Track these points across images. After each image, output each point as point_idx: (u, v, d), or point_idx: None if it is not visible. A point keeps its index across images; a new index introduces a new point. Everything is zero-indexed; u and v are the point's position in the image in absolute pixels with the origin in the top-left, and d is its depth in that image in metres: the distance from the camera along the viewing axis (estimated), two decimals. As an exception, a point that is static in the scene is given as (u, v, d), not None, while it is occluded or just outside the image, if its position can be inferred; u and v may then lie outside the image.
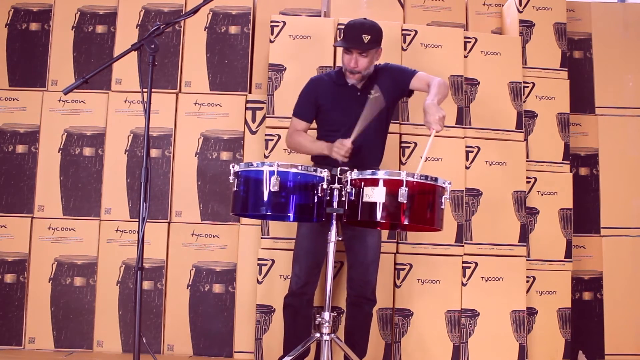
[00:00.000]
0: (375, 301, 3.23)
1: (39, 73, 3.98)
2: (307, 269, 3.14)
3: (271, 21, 3.79)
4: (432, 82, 3.09)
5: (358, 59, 3.05)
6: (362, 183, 2.64)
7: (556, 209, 3.88)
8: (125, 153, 3.89)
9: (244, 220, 3.78)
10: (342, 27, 3.75)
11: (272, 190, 2.59)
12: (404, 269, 3.64)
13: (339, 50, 3.47)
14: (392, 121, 3.60)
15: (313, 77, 3.30)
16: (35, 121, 3.93)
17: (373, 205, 2.62)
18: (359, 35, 3.03)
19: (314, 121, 3.25)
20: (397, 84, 3.19)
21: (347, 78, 3.15)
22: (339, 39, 3.22)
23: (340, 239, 2.76)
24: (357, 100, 3.08)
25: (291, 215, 2.81)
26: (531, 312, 3.78)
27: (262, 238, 3.64)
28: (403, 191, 2.57)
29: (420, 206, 2.65)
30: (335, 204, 2.68)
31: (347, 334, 3.26)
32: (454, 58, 3.85)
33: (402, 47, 3.82)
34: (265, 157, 3.67)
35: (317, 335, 2.73)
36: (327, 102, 3.17)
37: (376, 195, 2.61)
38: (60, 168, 3.90)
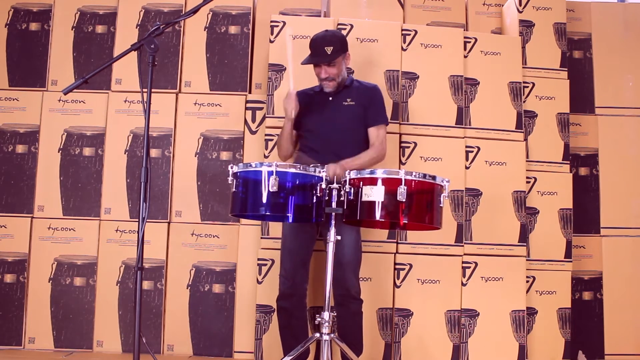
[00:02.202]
0: (361, 300, 3.23)
1: (39, 73, 3.98)
2: (292, 269, 3.17)
3: (271, 21, 3.80)
4: (371, 147, 3.26)
5: (326, 69, 3.23)
6: (361, 182, 2.65)
7: (556, 209, 3.88)
8: (125, 153, 3.89)
9: (243, 220, 3.78)
10: (343, 26, 3.79)
11: (271, 190, 2.60)
12: (403, 269, 3.64)
13: None
14: (391, 121, 3.63)
15: (298, 91, 3.39)
16: (35, 121, 3.93)
17: (372, 204, 2.63)
18: (322, 49, 3.19)
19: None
20: (367, 111, 3.30)
21: (324, 87, 3.30)
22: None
23: (339, 237, 2.76)
24: (326, 105, 3.28)
25: (290, 215, 2.81)
26: (531, 312, 3.78)
27: (262, 238, 3.64)
28: (402, 190, 2.59)
29: (419, 204, 2.66)
30: (334, 204, 2.69)
31: (339, 333, 3.25)
32: (453, 58, 3.85)
33: (402, 47, 3.82)
34: (265, 157, 3.67)
35: (317, 335, 2.73)
36: (304, 108, 3.31)
37: (375, 194, 2.62)
38: (60, 168, 3.90)
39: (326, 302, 2.75)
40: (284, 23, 3.77)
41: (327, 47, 3.17)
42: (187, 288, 3.81)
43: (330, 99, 3.30)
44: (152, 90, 2.76)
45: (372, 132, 3.31)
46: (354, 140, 3.29)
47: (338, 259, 3.14)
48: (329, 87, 3.28)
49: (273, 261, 3.58)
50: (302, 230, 3.17)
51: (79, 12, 4.04)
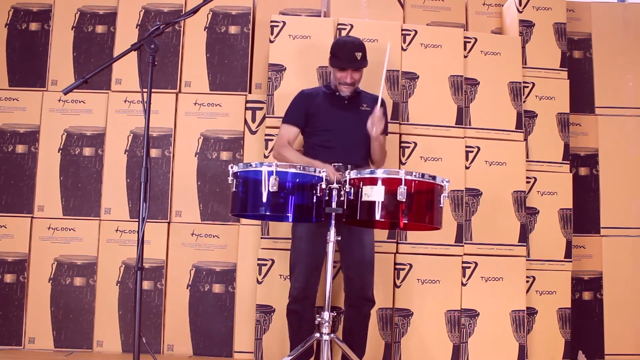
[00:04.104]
0: (374, 302, 3.24)
1: (39, 73, 3.98)
2: (308, 272, 3.15)
3: (271, 21, 3.79)
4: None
5: (352, 74, 3.23)
6: (361, 182, 2.65)
7: (556, 209, 3.88)
8: (125, 153, 3.89)
9: (243, 220, 3.78)
10: (343, 26, 3.79)
11: (271, 190, 2.60)
12: (404, 269, 3.64)
13: None
14: (392, 121, 3.63)
15: (303, 90, 3.40)
16: (35, 121, 3.93)
17: (372, 204, 2.63)
18: (352, 54, 3.19)
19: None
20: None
21: (339, 90, 3.28)
22: (330, 54, 3.34)
23: (339, 238, 2.76)
24: (344, 107, 3.27)
25: (290, 215, 2.81)
26: (531, 312, 3.78)
27: (262, 238, 3.64)
28: (402, 190, 2.58)
29: (419, 205, 2.66)
30: (334, 204, 2.68)
31: (345, 335, 3.26)
32: (454, 58, 3.85)
33: (402, 47, 3.82)
34: (265, 157, 3.67)
35: (317, 335, 2.73)
36: (316, 106, 3.30)
37: (375, 194, 2.62)
38: (60, 168, 3.90)
39: (326, 302, 2.75)
40: (284, 23, 3.77)
41: (357, 53, 3.19)
42: (187, 288, 3.81)
43: (346, 102, 3.29)
44: (152, 90, 2.76)
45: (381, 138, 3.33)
46: (365, 144, 3.30)
47: (358, 260, 3.15)
48: (347, 92, 3.27)
49: (273, 261, 3.58)
50: (317, 232, 3.10)
51: (79, 12, 4.04)
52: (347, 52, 3.19)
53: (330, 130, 3.25)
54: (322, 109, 3.29)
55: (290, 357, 2.76)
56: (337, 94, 3.30)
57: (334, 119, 3.27)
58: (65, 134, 3.92)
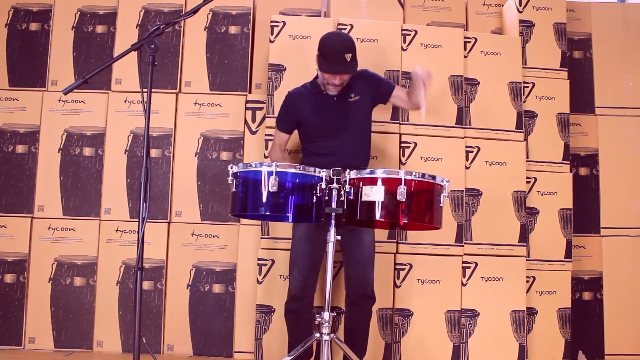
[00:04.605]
0: (375, 298, 3.25)
1: (39, 73, 3.99)
2: (307, 272, 3.16)
3: (271, 21, 3.79)
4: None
5: (341, 76, 3.13)
6: (361, 182, 2.64)
7: (556, 209, 3.88)
8: (125, 153, 3.90)
9: (244, 220, 3.78)
10: (343, 26, 3.78)
11: (271, 190, 2.60)
12: (404, 269, 3.64)
13: None
14: (391, 121, 3.64)
15: (290, 91, 3.35)
16: (35, 121, 3.93)
17: (372, 204, 2.62)
18: (342, 57, 3.05)
19: (296, 131, 3.38)
20: (377, 89, 3.33)
21: (327, 90, 3.22)
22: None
23: (339, 238, 2.76)
24: (333, 107, 3.23)
25: (290, 215, 2.81)
26: (531, 312, 3.78)
27: (262, 238, 3.64)
28: (402, 190, 2.58)
29: (419, 204, 2.66)
30: (334, 204, 2.68)
31: (347, 334, 3.26)
32: (454, 58, 3.85)
33: (402, 47, 3.82)
34: (265, 157, 3.67)
35: (317, 335, 2.73)
36: (306, 113, 3.26)
37: (375, 194, 2.62)
38: (60, 168, 3.90)
39: (326, 302, 2.74)
40: (284, 23, 3.77)
41: (347, 55, 3.04)
42: (187, 288, 3.81)
43: (335, 99, 3.24)
44: (152, 90, 2.76)
45: (398, 90, 3.36)
46: (364, 139, 3.29)
47: (358, 258, 3.15)
48: (334, 91, 3.20)
49: (273, 261, 3.58)
50: (316, 232, 3.11)
51: (79, 12, 4.04)
52: (336, 55, 3.05)
53: (324, 136, 3.22)
54: (312, 115, 3.24)
55: (290, 358, 2.76)
56: (325, 92, 3.24)
57: (325, 123, 3.22)
58: (65, 134, 3.93)
